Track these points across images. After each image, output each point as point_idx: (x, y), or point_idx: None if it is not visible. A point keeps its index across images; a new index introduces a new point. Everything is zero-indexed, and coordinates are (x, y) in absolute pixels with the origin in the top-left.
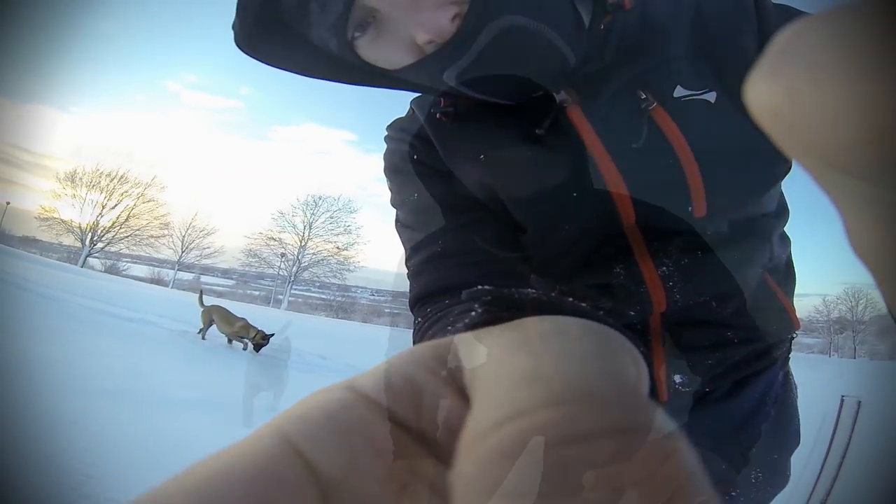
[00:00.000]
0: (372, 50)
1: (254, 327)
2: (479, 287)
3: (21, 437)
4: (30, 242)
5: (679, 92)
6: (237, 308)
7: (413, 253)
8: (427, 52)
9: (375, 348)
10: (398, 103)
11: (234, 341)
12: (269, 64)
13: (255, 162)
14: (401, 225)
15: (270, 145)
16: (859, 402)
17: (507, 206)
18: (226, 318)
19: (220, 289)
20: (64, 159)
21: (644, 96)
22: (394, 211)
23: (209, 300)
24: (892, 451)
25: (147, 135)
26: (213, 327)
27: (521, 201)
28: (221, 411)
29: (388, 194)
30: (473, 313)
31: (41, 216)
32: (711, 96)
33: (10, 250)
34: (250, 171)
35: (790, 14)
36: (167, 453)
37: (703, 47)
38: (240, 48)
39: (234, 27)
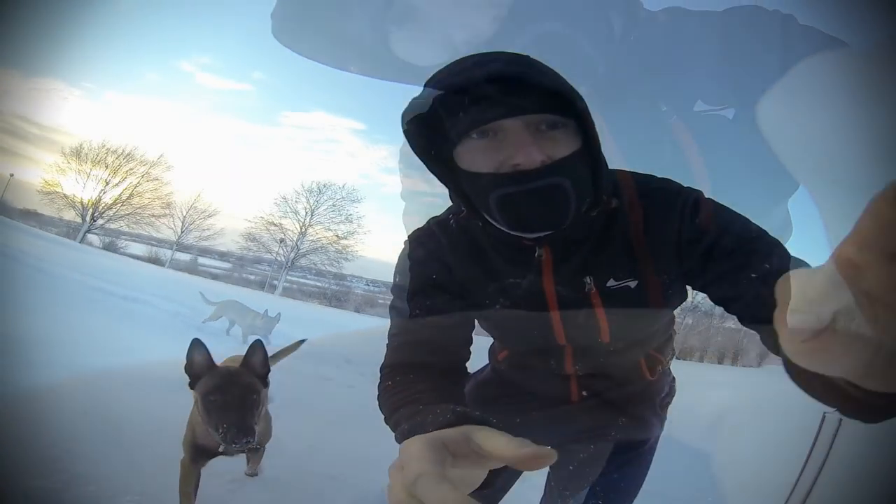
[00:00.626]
0: (471, 150)
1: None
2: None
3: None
4: (30, 215)
5: (611, 283)
6: (231, 291)
7: (395, 333)
8: (504, 171)
9: (367, 338)
10: (406, 97)
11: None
12: (406, 135)
13: (262, 146)
14: (394, 308)
15: (279, 130)
16: (840, 419)
17: (485, 323)
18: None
19: (216, 271)
20: (71, 134)
21: (588, 282)
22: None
23: (205, 282)
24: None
25: (157, 114)
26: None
27: (495, 321)
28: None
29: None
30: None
31: (44, 189)
32: (633, 283)
33: (10, 222)
34: (257, 155)
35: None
36: (143, 432)
37: (633, 248)
38: (403, 118)
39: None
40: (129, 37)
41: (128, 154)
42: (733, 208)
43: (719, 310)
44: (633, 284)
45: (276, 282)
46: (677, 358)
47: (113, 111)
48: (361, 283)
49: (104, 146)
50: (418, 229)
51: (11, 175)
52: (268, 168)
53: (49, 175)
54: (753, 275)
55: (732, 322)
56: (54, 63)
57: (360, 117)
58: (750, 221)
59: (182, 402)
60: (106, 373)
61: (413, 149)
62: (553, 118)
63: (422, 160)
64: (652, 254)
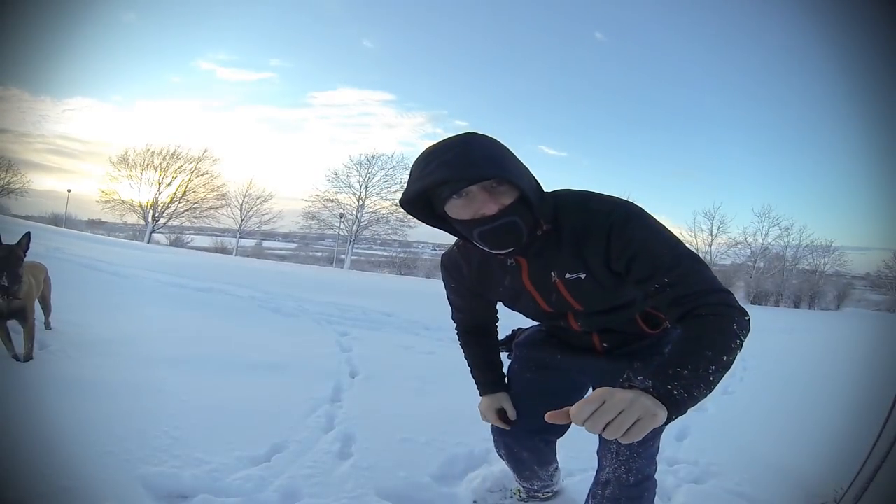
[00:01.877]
0: (454, 207)
1: None
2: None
3: (110, 408)
4: (96, 225)
5: (567, 276)
6: (301, 271)
7: (454, 312)
8: (477, 217)
9: (438, 302)
10: (428, 64)
11: None
12: (408, 211)
13: (298, 128)
14: (448, 298)
15: (311, 111)
16: None
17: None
18: None
19: (283, 252)
20: (114, 144)
21: (553, 275)
22: None
23: (272, 264)
24: None
25: (189, 112)
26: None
27: (509, 304)
28: (292, 373)
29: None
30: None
31: (102, 199)
32: (583, 275)
33: (79, 234)
34: (296, 137)
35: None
36: (250, 413)
37: (579, 251)
38: (401, 204)
39: (407, 192)
40: (142, 47)
41: (172, 154)
42: None
43: (791, 251)
44: (583, 276)
45: (343, 256)
46: (753, 304)
47: (147, 117)
48: (428, 249)
49: (148, 150)
50: (446, 253)
51: (69, 190)
52: (311, 147)
53: (104, 185)
54: (657, 286)
55: (806, 263)
56: (80, 83)
57: (387, 88)
58: (662, 236)
59: (274, 382)
60: (200, 360)
61: (412, 215)
62: (497, 181)
63: (420, 220)
64: (588, 259)
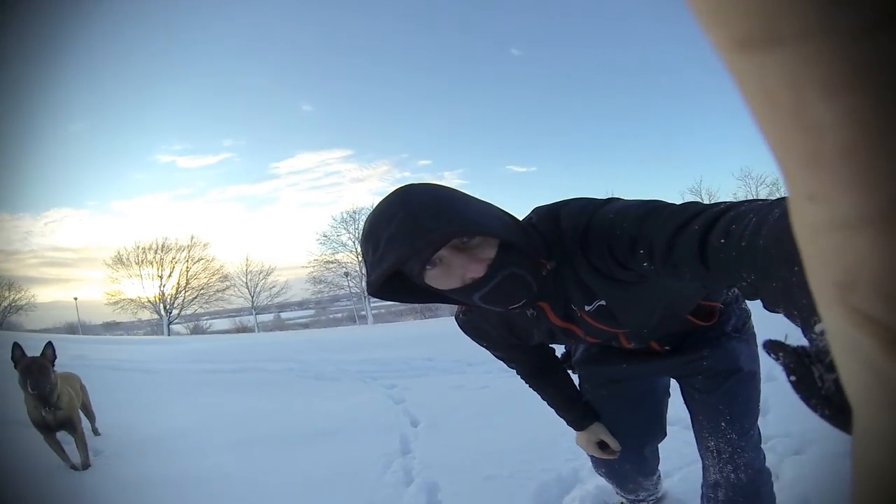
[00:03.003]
0: (434, 279)
1: None
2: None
3: (184, 501)
4: (112, 327)
5: (587, 307)
6: (327, 333)
7: (502, 359)
8: (467, 283)
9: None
10: (375, 111)
11: None
12: (387, 299)
13: (272, 199)
14: (492, 353)
15: (279, 181)
16: None
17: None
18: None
19: (304, 320)
20: (104, 247)
21: (575, 309)
22: None
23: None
24: None
25: (164, 203)
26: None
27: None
28: (353, 434)
29: None
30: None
31: (109, 301)
32: (601, 303)
33: (99, 338)
34: (274, 209)
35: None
36: (325, 483)
37: (580, 280)
38: (371, 294)
39: (370, 283)
40: (100, 152)
41: (162, 246)
42: None
43: None
44: (602, 303)
45: (363, 312)
46: None
47: (126, 216)
48: None
49: (138, 247)
50: (460, 319)
51: (76, 298)
52: (290, 214)
53: (107, 287)
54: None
55: None
56: (52, 196)
57: (342, 145)
58: (634, 204)
59: (339, 447)
60: (257, 440)
61: (392, 300)
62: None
63: (405, 302)
64: (592, 285)
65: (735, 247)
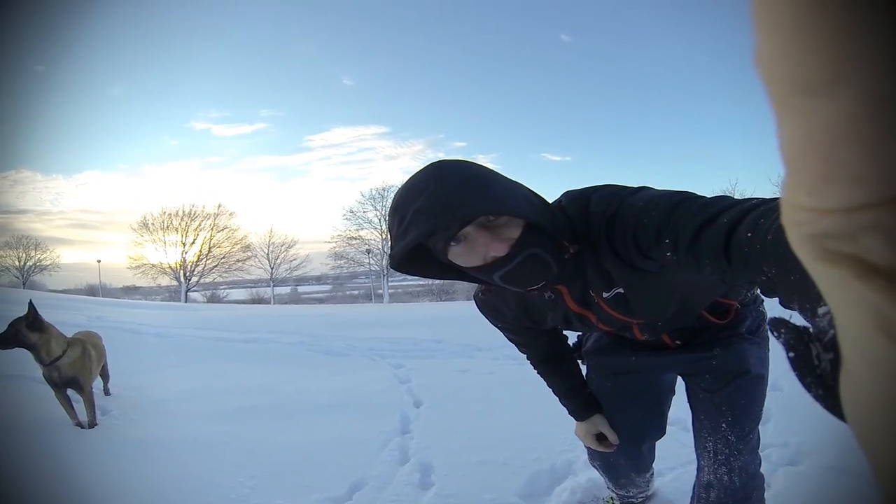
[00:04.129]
0: (457, 255)
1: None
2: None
3: (181, 466)
4: (132, 291)
5: (605, 294)
6: (341, 310)
7: (515, 344)
8: (489, 262)
9: (485, 323)
10: (414, 91)
11: None
12: (408, 273)
13: (303, 172)
14: (505, 335)
15: (312, 154)
16: None
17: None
18: None
19: (320, 295)
20: (132, 211)
21: (593, 295)
22: None
23: (312, 308)
24: None
25: (195, 170)
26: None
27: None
28: (356, 410)
29: None
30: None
31: (132, 265)
32: (619, 291)
33: (118, 301)
34: (304, 181)
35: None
36: (322, 455)
37: (601, 266)
38: (393, 267)
39: (392, 255)
40: (136, 116)
41: (188, 213)
42: None
43: None
44: (621, 290)
45: (380, 291)
46: None
47: (156, 181)
48: None
49: (165, 213)
50: (479, 298)
51: (99, 261)
52: (320, 188)
53: (131, 251)
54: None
55: None
56: (86, 158)
57: (379, 121)
58: (662, 193)
59: (340, 422)
60: (260, 409)
61: (412, 274)
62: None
63: (426, 276)
64: (613, 272)
65: (760, 240)
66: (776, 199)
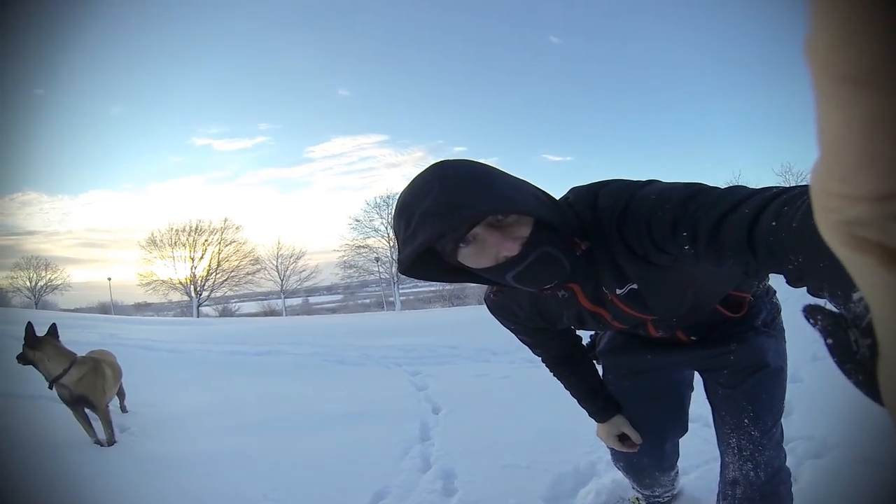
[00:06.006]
0: (467, 256)
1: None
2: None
3: (203, 480)
4: (143, 307)
5: (619, 291)
6: (354, 319)
7: (528, 346)
8: (500, 262)
9: (499, 327)
10: (410, 98)
11: None
12: (417, 278)
13: (306, 183)
14: (518, 337)
15: (313, 165)
16: None
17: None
18: None
19: (332, 305)
20: (139, 229)
21: (606, 293)
22: None
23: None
24: None
25: (199, 186)
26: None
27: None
28: (374, 419)
29: None
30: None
31: (142, 282)
32: (633, 287)
33: (130, 318)
34: (307, 192)
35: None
36: (343, 465)
37: (615, 262)
38: (402, 272)
39: (401, 260)
40: (137, 134)
41: (195, 228)
42: None
43: None
44: (634, 286)
45: (391, 298)
46: None
47: (162, 198)
48: None
49: (172, 229)
50: (490, 300)
51: (109, 279)
52: (324, 199)
53: (140, 268)
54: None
55: None
56: (90, 178)
57: (378, 130)
58: (674, 185)
59: (359, 431)
60: (278, 421)
61: (421, 279)
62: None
63: (435, 280)
64: (626, 268)
65: (786, 228)
66: (797, 187)
